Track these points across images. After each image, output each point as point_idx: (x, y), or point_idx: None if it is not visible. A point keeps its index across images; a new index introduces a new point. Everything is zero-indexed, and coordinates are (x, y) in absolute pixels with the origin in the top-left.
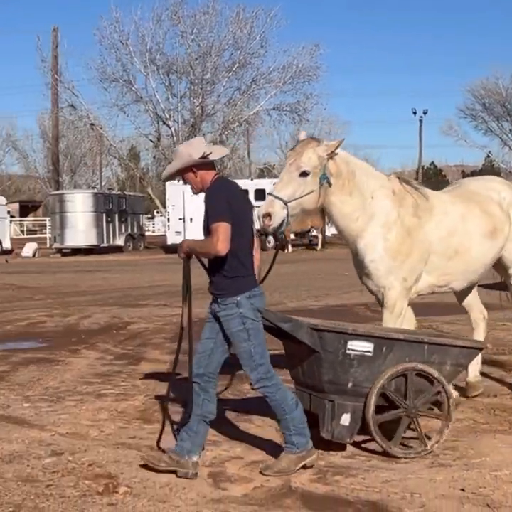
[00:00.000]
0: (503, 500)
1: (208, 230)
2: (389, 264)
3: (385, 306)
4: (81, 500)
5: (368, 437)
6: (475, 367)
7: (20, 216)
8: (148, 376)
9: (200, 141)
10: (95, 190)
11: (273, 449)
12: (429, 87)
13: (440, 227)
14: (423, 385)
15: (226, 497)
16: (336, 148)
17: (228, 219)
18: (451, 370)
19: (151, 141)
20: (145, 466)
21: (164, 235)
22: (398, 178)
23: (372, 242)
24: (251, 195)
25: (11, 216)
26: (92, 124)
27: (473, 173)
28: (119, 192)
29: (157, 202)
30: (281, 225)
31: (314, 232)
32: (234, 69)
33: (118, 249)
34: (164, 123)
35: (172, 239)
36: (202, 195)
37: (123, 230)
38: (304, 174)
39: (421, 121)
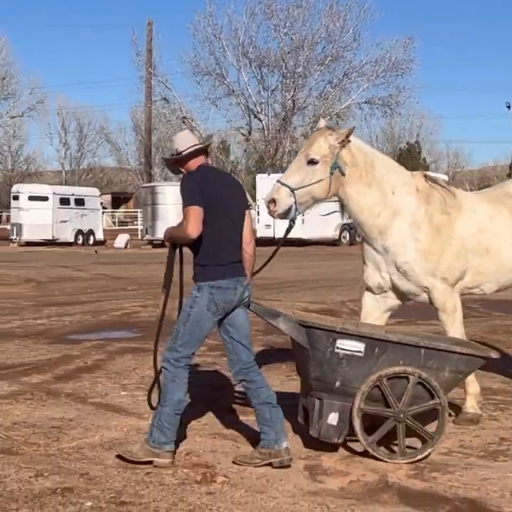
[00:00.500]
0: None
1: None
2: (423, 266)
3: (437, 308)
4: (180, 489)
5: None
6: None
7: (112, 208)
8: None
9: (181, 136)
10: None
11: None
12: None
13: (470, 224)
14: (422, 394)
15: (323, 490)
16: (347, 137)
17: (199, 203)
18: (449, 378)
19: (242, 134)
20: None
21: (254, 229)
22: (424, 175)
23: (402, 241)
24: None
25: (104, 208)
26: (184, 117)
27: None
28: None
29: (247, 195)
30: (288, 211)
31: None
32: (326, 62)
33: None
34: (255, 116)
35: (262, 232)
36: None
37: None
38: (312, 162)
39: None
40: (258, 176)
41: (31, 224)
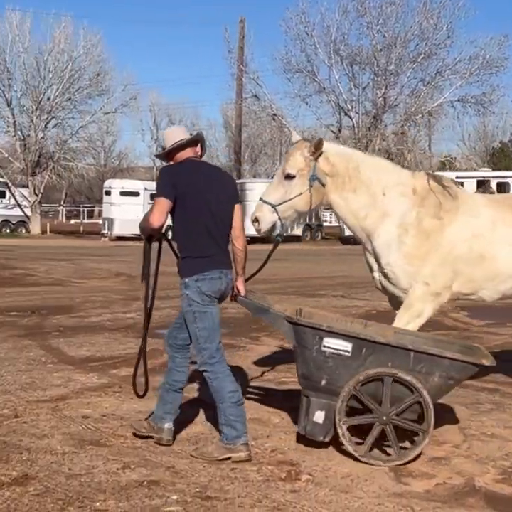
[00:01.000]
0: None
1: None
2: (406, 269)
3: (403, 304)
4: (264, 485)
5: None
6: None
7: None
8: None
9: (168, 132)
10: None
11: (454, 446)
12: None
13: (464, 229)
14: (403, 393)
15: (408, 492)
16: (316, 148)
17: (167, 195)
18: (439, 383)
19: (332, 131)
20: (134, 434)
21: (341, 226)
22: (428, 174)
23: (387, 243)
24: None
25: None
26: (274, 115)
27: None
28: None
29: None
30: (273, 228)
31: None
32: (418, 60)
33: (296, 239)
34: (346, 114)
35: (348, 230)
36: None
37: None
38: (290, 177)
39: None
40: None
41: (122, 219)
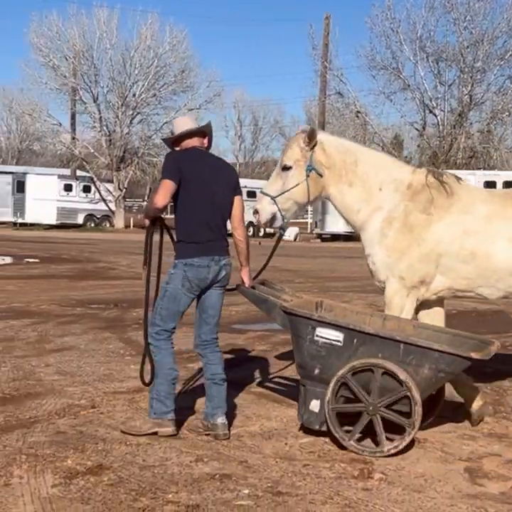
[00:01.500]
0: None
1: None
2: (384, 260)
3: (385, 303)
4: (336, 483)
5: None
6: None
7: None
8: None
9: (178, 120)
10: None
11: None
12: None
13: (454, 226)
14: (392, 385)
15: (482, 493)
16: (309, 137)
17: (171, 177)
18: (429, 375)
19: (416, 129)
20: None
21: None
22: (429, 170)
23: (372, 235)
24: None
25: None
26: (358, 112)
27: None
28: None
29: None
30: (273, 219)
31: None
32: (506, 57)
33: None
34: (431, 111)
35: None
36: None
37: None
38: (286, 168)
39: None
40: None
41: None
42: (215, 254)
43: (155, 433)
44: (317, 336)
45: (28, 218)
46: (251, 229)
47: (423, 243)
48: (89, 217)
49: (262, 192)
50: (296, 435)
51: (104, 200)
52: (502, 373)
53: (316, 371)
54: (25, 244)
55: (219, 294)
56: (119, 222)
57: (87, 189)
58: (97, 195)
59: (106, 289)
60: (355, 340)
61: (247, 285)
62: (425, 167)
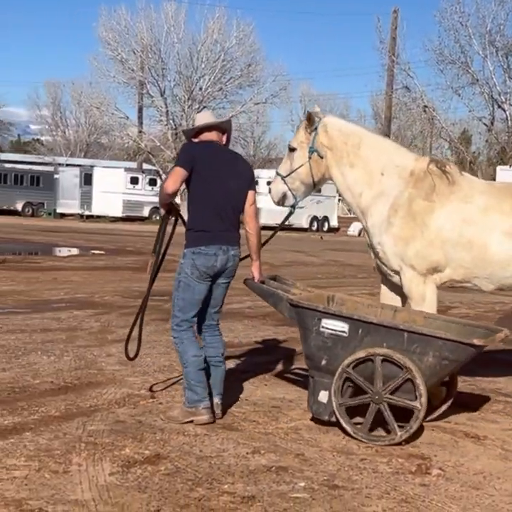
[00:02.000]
0: None
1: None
2: (392, 249)
3: (405, 293)
4: (393, 478)
5: None
6: None
7: None
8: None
9: (201, 114)
10: None
11: None
12: None
13: (454, 214)
14: (394, 372)
15: None
16: (308, 121)
17: (183, 165)
18: (434, 363)
19: (484, 124)
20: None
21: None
22: (432, 159)
23: (379, 223)
24: None
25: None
26: (425, 106)
27: None
28: None
29: None
30: (283, 198)
31: None
32: None
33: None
34: (499, 106)
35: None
36: None
37: None
38: (291, 150)
39: None
40: (499, 168)
41: (269, 209)
42: (224, 244)
43: (191, 421)
44: (323, 327)
45: (95, 210)
46: (315, 223)
47: (426, 230)
48: (155, 210)
49: (276, 172)
50: None
51: None
52: None
53: (323, 362)
54: (91, 236)
55: (224, 288)
56: (183, 214)
57: (152, 182)
58: None
59: (168, 281)
60: (360, 331)
61: (256, 279)
62: (429, 155)
